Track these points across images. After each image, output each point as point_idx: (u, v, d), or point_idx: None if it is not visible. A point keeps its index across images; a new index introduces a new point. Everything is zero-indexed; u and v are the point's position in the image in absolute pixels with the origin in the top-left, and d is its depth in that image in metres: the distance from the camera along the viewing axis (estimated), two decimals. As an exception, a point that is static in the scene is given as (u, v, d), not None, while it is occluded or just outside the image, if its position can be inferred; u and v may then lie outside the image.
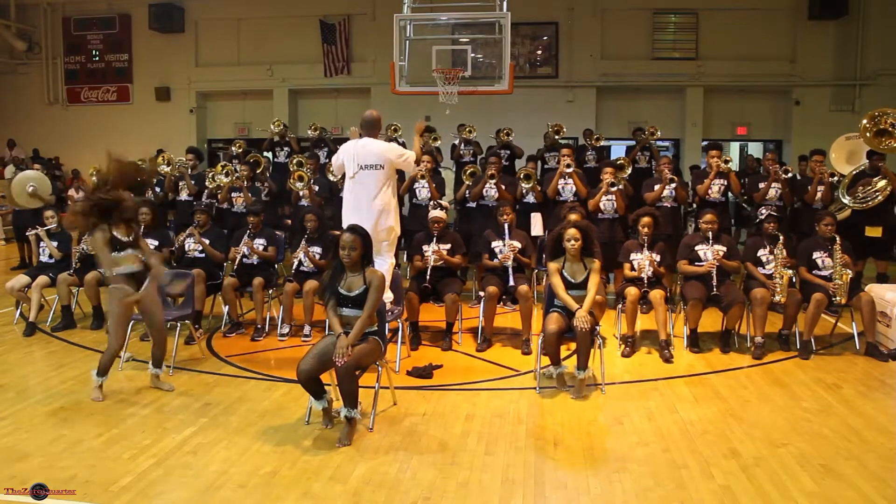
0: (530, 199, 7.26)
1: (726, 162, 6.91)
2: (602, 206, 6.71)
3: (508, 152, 8.92)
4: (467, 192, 7.22)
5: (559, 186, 6.99)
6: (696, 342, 5.55)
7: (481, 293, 5.69)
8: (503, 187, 7.00)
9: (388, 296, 5.09)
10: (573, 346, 4.94)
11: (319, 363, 3.85)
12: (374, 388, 4.10)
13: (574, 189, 6.98)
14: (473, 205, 7.25)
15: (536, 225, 7.01)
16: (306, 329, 5.86)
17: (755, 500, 3.17)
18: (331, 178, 7.23)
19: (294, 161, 7.86)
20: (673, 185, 6.81)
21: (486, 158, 7.52)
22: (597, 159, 9.16)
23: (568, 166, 6.91)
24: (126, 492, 3.22)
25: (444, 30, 8.87)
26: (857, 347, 5.51)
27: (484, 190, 7.09)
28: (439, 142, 8.77)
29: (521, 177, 7.28)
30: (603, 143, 9.76)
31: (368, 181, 5.22)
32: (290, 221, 7.77)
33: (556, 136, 9.15)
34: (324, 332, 5.90)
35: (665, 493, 3.24)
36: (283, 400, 4.45)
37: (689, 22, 12.49)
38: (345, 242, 3.95)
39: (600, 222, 6.64)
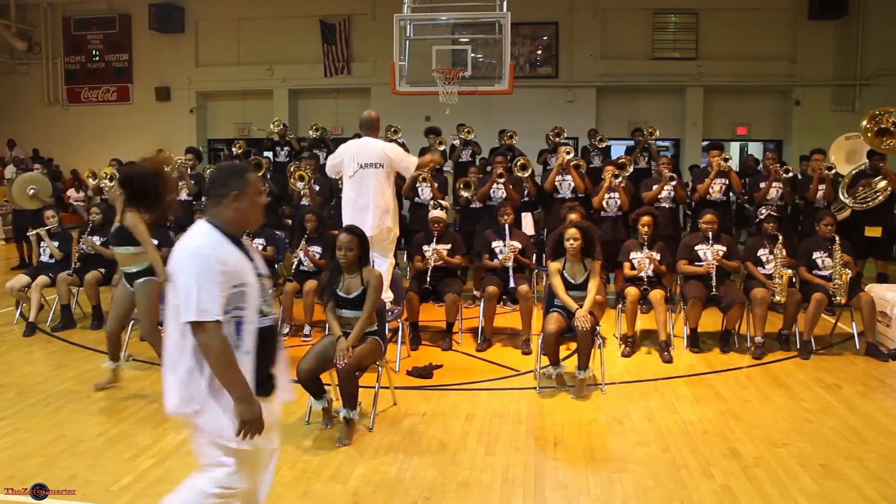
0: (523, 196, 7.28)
1: (726, 160, 6.89)
2: (605, 204, 6.70)
3: (511, 154, 8.90)
4: (470, 196, 7.17)
5: (556, 183, 6.97)
6: (696, 342, 5.55)
7: (476, 293, 5.69)
8: (510, 187, 6.97)
9: (388, 296, 5.09)
10: (573, 346, 4.94)
11: (319, 363, 3.85)
12: (374, 388, 4.10)
13: (572, 185, 6.96)
14: (478, 205, 7.21)
15: (527, 225, 7.00)
16: (306, 329, 5.86)
17: (755, 500, 3.18)
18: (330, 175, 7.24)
19: (292, 165, 7.89)
20: (673, 182, 6.81)
21: (488, 159, 7.50)
22: (602, 159, 9.14)
23: (569, 160, 6.86)
24: (126, 492, 3.22)
25: (444, 30, 8.86)
26: (857, 347, 5.51)
27: (491, 190, 7.05)
28: (444, 146, 8.76)
29: (518, 165, 7.26)
30: (606, 143, 9.74)
31: (368, 180, 5.22)
32: (290, 221, 7.77)
33: (557, 140, 9.14)
34: (324, 332, 5.90)
35: (665, 493, 3.24)
36: (283, 400, 4.45)
37: (689, 22, 12.50)
38: (341, 243, 3.94)
39: (603, 221, 6.63)
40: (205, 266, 2.16)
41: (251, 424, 2.20)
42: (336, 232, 4.33)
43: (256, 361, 2.29)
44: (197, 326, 2.14)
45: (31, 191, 7.80)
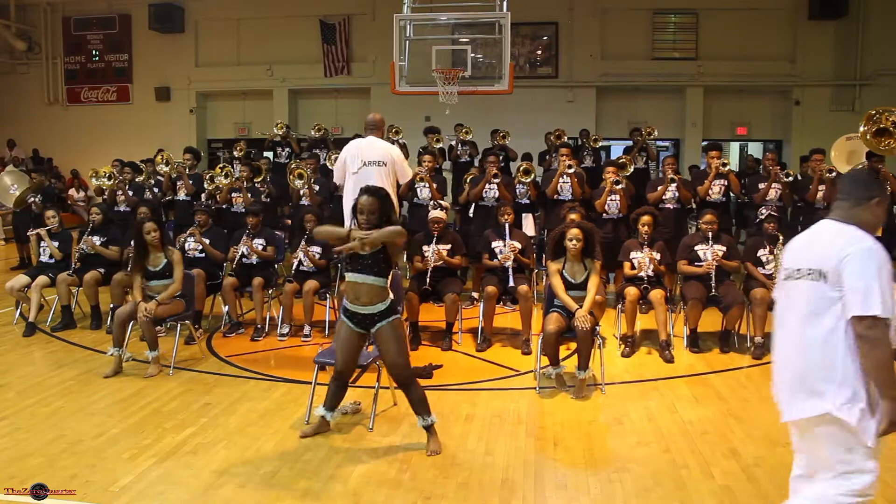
0: (523, 199, 7.27)
1: (724, 165, 6.88)
2: (606, 207, 6.71)
3: (503, 154, 8.91)
4: (468, 195, 7.19)
5: (558, 186, 6.98)
6: (696, 342, 5.55)
7: (475, 294, 5.68)
8: (503, 187, 6.99)
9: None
10: (573, 346, 4.94)
11: (351, 360, 3.77)
12: (374, 388, 4.10)
13: (571, 189, 6.97)
14: (472, 206, 7.22)
15: (528, 226, 7.01)
16: (306, 329, 5.86)
17: (755, 500, 3.18)
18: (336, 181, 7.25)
19: (293, 164, 7.89)
20: (673, 185, 6.81)
21: (482, 160, 7.51)
22: (594, 160, 9.14)
23: (569, 167, 6.91)
24: (126, 492, 3.22)
25: (444, 30, 8.86)
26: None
27: (484, 191, 7.07)
28: (441, 143, 8.78)
29: (521, 170, 7.26)
30: (602, 143, 9.73)
31: (371, 177, 5.24)
32: (290, 221, 7.77)
33: (558, 142, 9.15)
34: (324, 333, 5.91)
35: (665, 493, 3.24)
36: (283, 400, 4.45)
37: (689, 22, 12.49)
38: (363, 206, 3.59)
39: (604, 223, 6.64)
40: (883, 264, 2.18)
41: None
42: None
43: None
44: (872, 322, 2.14)
45: (13, 189, 7.86)
